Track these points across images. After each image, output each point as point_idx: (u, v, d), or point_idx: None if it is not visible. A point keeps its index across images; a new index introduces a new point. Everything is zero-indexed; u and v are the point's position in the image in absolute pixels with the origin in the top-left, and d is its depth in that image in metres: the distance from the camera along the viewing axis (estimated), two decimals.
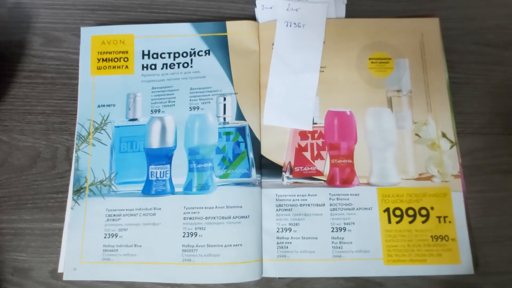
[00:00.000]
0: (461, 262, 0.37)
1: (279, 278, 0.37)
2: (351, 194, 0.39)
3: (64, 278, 0.37)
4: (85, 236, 0.38)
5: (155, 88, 0.42)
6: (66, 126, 0.42)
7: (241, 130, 0.41)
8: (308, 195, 0.39)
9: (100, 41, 0.44)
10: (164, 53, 0.43)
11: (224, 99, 0.41)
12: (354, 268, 0.37)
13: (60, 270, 0.38)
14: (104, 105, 0.42)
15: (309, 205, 0.39)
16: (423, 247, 0.37)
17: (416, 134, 0.40)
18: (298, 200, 0.39)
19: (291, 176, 0.40)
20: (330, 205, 0.39)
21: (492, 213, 0.39)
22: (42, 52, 0.45)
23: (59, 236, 0.39)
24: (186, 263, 0.37)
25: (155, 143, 0.41)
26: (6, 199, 0.40)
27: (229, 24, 0.44)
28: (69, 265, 0.37)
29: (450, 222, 0.38)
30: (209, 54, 0.43)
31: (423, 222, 0.38)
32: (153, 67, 0.43)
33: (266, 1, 0.45)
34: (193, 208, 0.39)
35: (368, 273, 0.37)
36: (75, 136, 0.41)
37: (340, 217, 0.38)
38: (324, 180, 0.39)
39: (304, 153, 0.40)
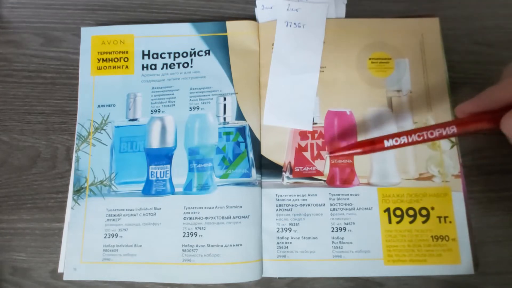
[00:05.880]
0: (461, 262, 0.37)
1: (279, 278, 0.37)
2: (351, 194, 0.39)
3: (64, 278, 0.37)
4: (85, 236, 0.38)
5: (155, 88, 0.42)
6: (66, 126, 0.42)
7: (241, 130, 0.41)
8: (308, 195, 0.39)
9: (100, 41, 0.44)
10: (164, 53, 0.44)
11: (224, 99, 0.41)
12: (354, 268, 0.37)
13: (60, 270, 0.38)
14: (104, 105, 0.42)
15: (309, 205, 0.39)
16: (423, 247, 0.37)
17: None
18: (298, 200, 0.39)
19: (291, 176, 0.40)
20: (330, 205, 0.39)
21: (492, 213, 0.39)
22: (42, 52, 0.45)
23: (59, 236, 0.39)
24: (186, 263, 0.37)
25: (155, 143, 0.41)
26: (6, 199, 0.40)
27: (229, 24, 0.44)
28: (69, 265, 0.37)
29: (450, 222, 0.38)
30: (209, 54, 0.43)
31: (424, 222, 0.38)
32: (153, 67, 0.43)
33: (266, 1, 0.45)
34: (193, 208, 0.39)
35: (368, 273, 0.37)
36: (75, 136, 0.41)
37: (340, 217, 0.38)
38: (324, 180, 0.40)
39: (304, 153, 0.40)
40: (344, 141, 0.40)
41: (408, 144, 0.32)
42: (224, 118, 0.41)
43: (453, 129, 0.31)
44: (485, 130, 0.31)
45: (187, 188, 0.39)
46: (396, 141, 0.32)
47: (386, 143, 0.32)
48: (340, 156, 0.40)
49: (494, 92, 0.31)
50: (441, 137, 0.31)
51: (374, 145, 0.33)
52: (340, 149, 0.35)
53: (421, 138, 0.32)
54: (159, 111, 0.41)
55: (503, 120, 0.29)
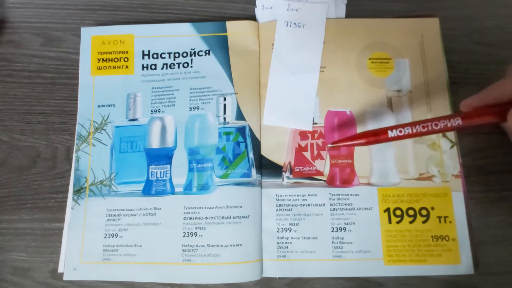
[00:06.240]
0: (461, 262, 0.37)
1: (279, 278, 0.37)
2: (351, 194, 0.39)
3: (64, 278, 0.37)
4: (85, 236, 0.38)
5: (155, 88, 0.42)
6: (66, 126, 0.42)
7: (241, 130, 0.41)
8: (308, 195, 0.39)
9: (100, 41, 0.44)
10: (164, 53, 0.44)
11: (224, 99, 0.41)
12: (354, 268, 0.37)
13: (60, 270, 0.38)
14: (104, 105, 0.42)
15: (309, 205, 0.39)
16: (423, 247, 0.37)
17: None
18: (298, 200, 0.39)
19: (291, 176, 0.40)
20: (330, 205, 0.39)
21: (492, 213, 0.39)
22: (42, 52, 0.45)
23: (59, 236, 0.39)
24: (186, 263, 0.37)
25: (155, 143, 0.41)
26: (6, 199, 0.40)
27: (229, 24, 0.44)
28: (69, 265, 0.37)
29: (450, 222, 0.38)
30: (209, 54, 0.43)
31: (424, 222, 0.38)
32: (153, 67, 0.43)
33: (266, 1, 0.45)
34: (193, 208, 0.39)
35: (368, 273, 0.37)
36: (75, 136, 0.41)
37: (340, 217, 0.38)
38: (324, 180, 0.40)
39: (304, 153, 0.40)
40: None
41: (413, 135, 0.31)
42: (224, 118, 0.41)
43: (458, 121, 0.31)
44: (490, 124, 0.31)
45: (187, 188, 0.39)
46: (400, 131, 0.32)
47: (390, 134, 0.32)
48: (341, 153, 0.40)
49: (502, 86, 0.31)
50: (445, 129, 0.31)
51: (377, 136, 0.32)
52: (342, 139, 0.34)
53: (426, 129, 0.31)
54: (159, 111, 0.41)
55: (510, 114, 0.29)
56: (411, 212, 0.38)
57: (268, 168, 0.40)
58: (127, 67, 0.43)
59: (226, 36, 0.43)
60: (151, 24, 0.45)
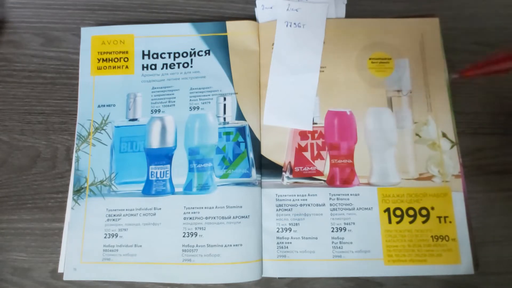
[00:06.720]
0: (461, 262, 0.37)
1: (279, 278, 0.37)
2: (351, 194, 0.39)
3: (64, 278, 0.37)
4: (85, 236, 0.38)
5: (155, 88, 0.42)
6: (66, 126, 0.42)
7: (241, 130, 0.41)
8: (308, 195, 0.39)
9: (100, 41, 0.44)
10: (164, 53, 0.43)
11: (224, 99, 0.41)
12: (354, 268, 0.37)
13: (60, 270, 0.38)
14: (104, 105, 0.42)
15: (309, 205, 0.39)
16: (423, 247, 0.37)
17: (417, 134, 0.40)
18: (298, 200, 0.39)
19: (291, 176, 0.40)
20: (330, 205, 0.39)
21: (492, 213, 0.39)
22: (42, 52, 0.45)
23: (59, 236, 0.39)
24: (186, 263, 0.37)
25: (155, 143, 0.41)
26: (6, 199, 0.40)
27: (229, 24, 0.44)
28: (69, 265, 0.37)
29: (450, 222, 0.38)
30: (209, 54, 0.43)
31: (424, 222, 0.38)
32: (153, 67, 0.43)
33: (266, 1, 0.45)
34: (193, 208, 0.39)
35: (368, 273, 0.37)
36: (75, 136, 0.41)
37: (340, 217, 0.38)
38: (324, 180, 0.39)
39: (304, 153, 0.40)
40: (344, 141, 0.40)
41: None
42: (224, 118, 0.41)
43: None
44: None
45: (187, 188, 0.39)
46: None
47: None
48: (341, 153, 0.40)
49: None
50: None
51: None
52: (479, 67, 0.31)
53: None
54: (159, 111, 0.41)
55: None
56: (411, 212, 0.38)
57: (268, 168, 0.40)
58: (127, 67, 0.43)
59: (226, 36, 0.43)
60: (151, 24, 0.45)
